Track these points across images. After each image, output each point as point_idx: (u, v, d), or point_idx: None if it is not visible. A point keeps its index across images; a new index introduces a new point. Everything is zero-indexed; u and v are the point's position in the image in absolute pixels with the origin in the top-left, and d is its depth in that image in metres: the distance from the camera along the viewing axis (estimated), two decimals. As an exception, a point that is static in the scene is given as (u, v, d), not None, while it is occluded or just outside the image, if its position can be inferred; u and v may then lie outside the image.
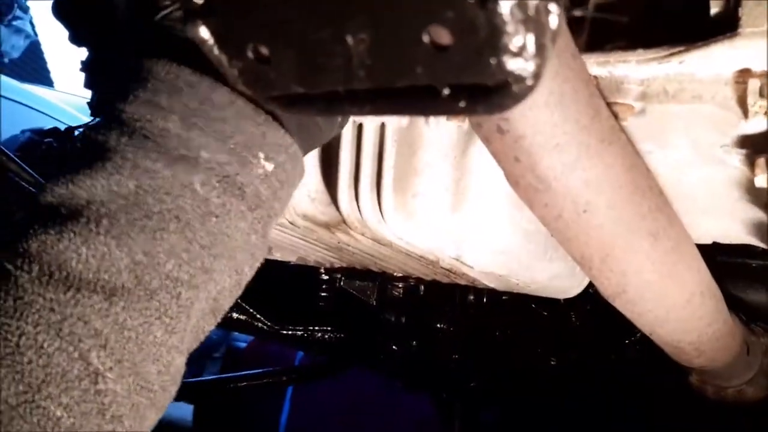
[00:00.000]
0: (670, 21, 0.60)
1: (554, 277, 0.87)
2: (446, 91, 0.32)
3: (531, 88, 0.30)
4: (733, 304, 1.03)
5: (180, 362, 0.49)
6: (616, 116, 0.61)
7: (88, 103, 1.05)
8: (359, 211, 0.77)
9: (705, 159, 0.67)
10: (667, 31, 0.59)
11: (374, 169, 0.74)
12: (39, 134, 1.51)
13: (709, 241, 0.80)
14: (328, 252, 0.99)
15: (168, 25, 0.51)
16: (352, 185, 0.76)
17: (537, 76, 0.30)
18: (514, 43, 0.28)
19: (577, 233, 0.57)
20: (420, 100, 0.33)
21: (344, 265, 1.09)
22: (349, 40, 0.32)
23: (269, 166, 0.49)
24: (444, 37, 0.30)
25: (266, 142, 0.49)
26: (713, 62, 0.57)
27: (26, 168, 1.06)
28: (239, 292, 0.53)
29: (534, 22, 0.28)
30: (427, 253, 0.82)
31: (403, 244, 0.80)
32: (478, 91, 0.31)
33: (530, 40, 0.28)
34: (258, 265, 0.53)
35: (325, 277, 1.20)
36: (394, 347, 1.29)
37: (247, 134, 0.48)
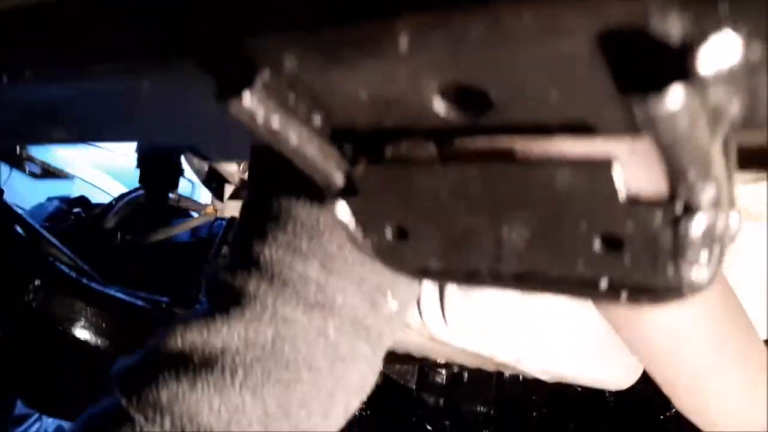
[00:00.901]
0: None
1: (610, 374, 0.86)
2: (605, 284, 0.31)
3: (702, 291, 0.29)
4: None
5: None
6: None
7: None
8: (420, 314, 0.75)
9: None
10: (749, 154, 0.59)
11: (439, 274, 0.73)
12: (67, 203, 1.50)
13: None
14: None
15: None
16: (414, 289, 0.75)
17: (712, 281, 0.29)
18: (698, 258, 0.27)
19: (666, 359, 0.56)
20: (573, 288, 0.32)
21: (384, 349, 1.07)
22: (504, 231, 0.31)
23: (394, 306, 0.47)
24: (616, 241, 0.29)
25: (395, 280, 0.47)
26: (799, 188, 0.57)
27: (66, 251, 1.05)
28: (342, 424, 0.52)
29: (720, 238, 0.27)
30: (483, 352, 0.81)
31: (462, 345, 0.79)
32: (644, 289, 0.30)
33: (715, 252, 0.27)
34: (364, 398, 0.51)
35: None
36: (428, 427, 1.26)
37: (380, 274, 0.46)
